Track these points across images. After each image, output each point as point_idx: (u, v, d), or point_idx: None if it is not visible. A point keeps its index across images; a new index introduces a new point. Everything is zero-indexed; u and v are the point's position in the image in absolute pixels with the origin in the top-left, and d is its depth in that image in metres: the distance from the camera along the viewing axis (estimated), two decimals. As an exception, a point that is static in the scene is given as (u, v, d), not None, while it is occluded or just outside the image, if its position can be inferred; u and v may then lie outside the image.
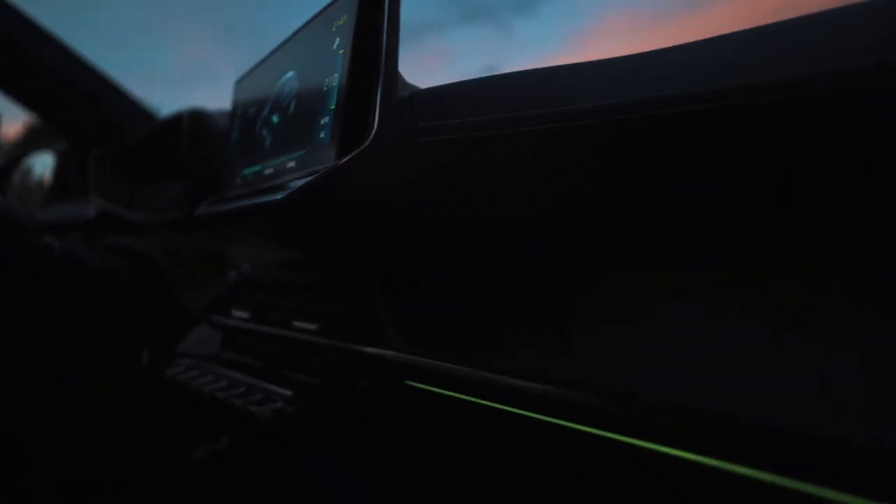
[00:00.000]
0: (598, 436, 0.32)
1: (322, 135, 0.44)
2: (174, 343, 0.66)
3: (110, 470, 0.63)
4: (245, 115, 0.62)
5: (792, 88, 0.25)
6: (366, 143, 0.38)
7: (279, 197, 0.40)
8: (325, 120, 0.44)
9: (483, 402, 0.38)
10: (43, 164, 1.20)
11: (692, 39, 0.33)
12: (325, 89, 0.45)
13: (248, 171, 0.57)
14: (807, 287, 0.25)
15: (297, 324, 0.51)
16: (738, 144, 0.27)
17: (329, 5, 0.47)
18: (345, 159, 0.39)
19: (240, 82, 0.66)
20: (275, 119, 0.53)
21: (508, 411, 0.36)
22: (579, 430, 0.33)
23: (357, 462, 0.45)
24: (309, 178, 0.39)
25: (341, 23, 0.44)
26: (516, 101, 0.37)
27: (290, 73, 0.52)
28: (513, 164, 0.36)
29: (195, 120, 0.74)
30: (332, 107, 0.43)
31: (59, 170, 1.15)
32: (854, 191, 0.24)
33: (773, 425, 0.25)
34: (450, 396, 0.39)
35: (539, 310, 0.36)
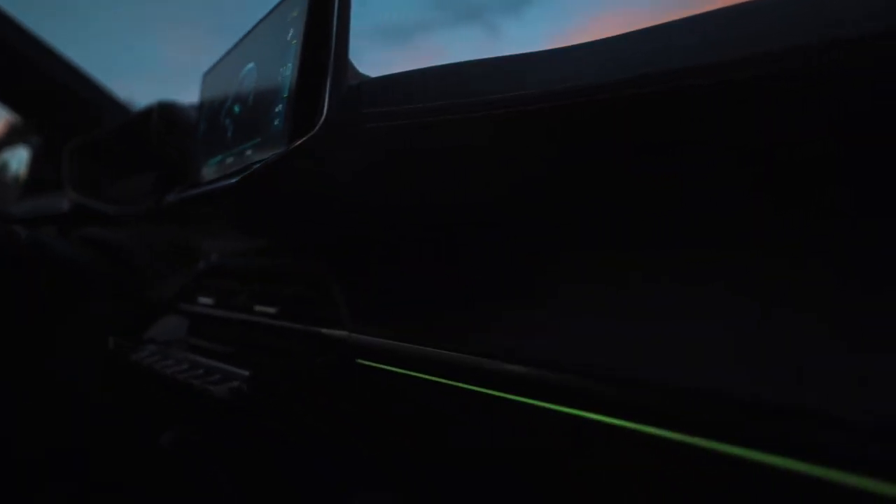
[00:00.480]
0: (546, 409, 0.33)
1: (276, 122, 0.45)
2: (143, 331, 0.67)
3: (78, 457, 0.64)
4: (211, 106, 0.63)
5: (741, 67, 0.26)
6: (315, 130, 0.40)
7: (232, 182, 0.42)
8: (279, 108, 0.45)
9: (430, 377, 0.39)
10: (18, 159, 1.21)
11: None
12: (279, 79, 0.46)
13: (212, 161, 0.58)
14: (779, 264, 0.26)
15: (259, 308, 0.53)
16: (693, 124, 0.29)
17: (285, -2, 0.49)
18: (293, 145, 0.40)
19: (207, 75, 0.67)
20: (236, 109, 0.55)
21: (455, 386, 0.38)
22: (528, 404, 0.34)
23: (313, 439, 0.46)
24: (258, 165, 0.40)
25: (295, 14, 0.46)
26: (465, 88, 0.38)
27: (251, 65, 0.53)
28: (458, 149, 0.37)
29: (165, 112, 0.75)
30: (286, 95, 0.44)
31: (35, 164, 1.16)
32: (824, 166, 0.25)
33: (745, 399, 0.24)
34: (398, 373, 0.41)
35: (484, 289, 0.38)
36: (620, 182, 0.32)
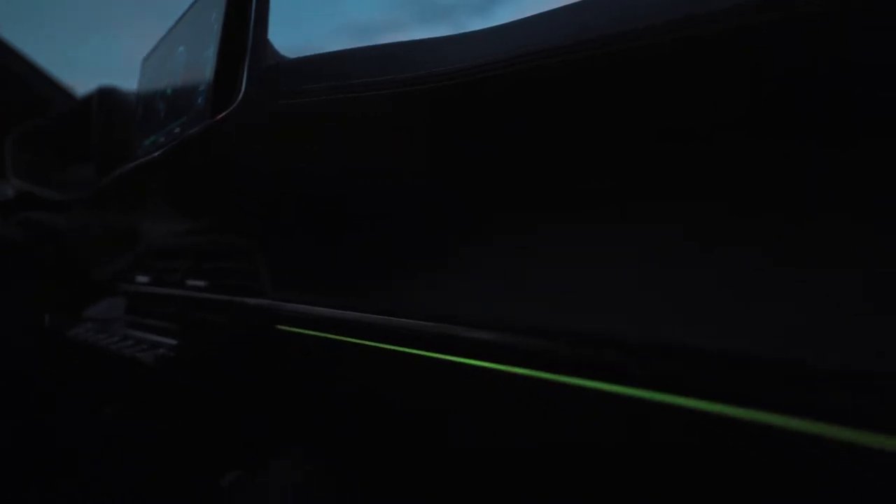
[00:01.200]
0: (464, 364, 0.35)
1: (199, 100, 0.47)
2: (83, 309, 0.68)
3: (18, 434, 0.65)
4: (148, 90, 0.64)
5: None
6: (232, 106, 0.42)
7: (155, 156, 0.44)
8: (202, 87, 0.47)
9: (345, 338, 0.42)
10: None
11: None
12: (204, 60, 0.48)
13: (147, 142, 0.60)
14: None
15: (190, 283, 0.55)
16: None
17: (211, -19, 0.51)
18: (212, 120, 0.42)
19: (145, 60, 0.69)
20: (168, 91, 0.56)
21: (373, 346, 0.41)
22: (441, 360, 0.37)
23: (236, 402, 0.48)
24: (177, 140, 0.43)
25: (219, -3, 0.48)
26: (378, 68, 0.41)
27: (182, 48, 0.55)
28: (363, 123, 0.40)
29: (105, 98, 0.76)
30: (208, 75, 0.46)
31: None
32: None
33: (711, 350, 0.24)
34: (314, 336, 0.43)
35: (394, 253, 0.41)
36: (516, 150, 0.35)
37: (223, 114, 0.42)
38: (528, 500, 0.33)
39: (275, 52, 0.46)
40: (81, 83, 1.14)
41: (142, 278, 0.62)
